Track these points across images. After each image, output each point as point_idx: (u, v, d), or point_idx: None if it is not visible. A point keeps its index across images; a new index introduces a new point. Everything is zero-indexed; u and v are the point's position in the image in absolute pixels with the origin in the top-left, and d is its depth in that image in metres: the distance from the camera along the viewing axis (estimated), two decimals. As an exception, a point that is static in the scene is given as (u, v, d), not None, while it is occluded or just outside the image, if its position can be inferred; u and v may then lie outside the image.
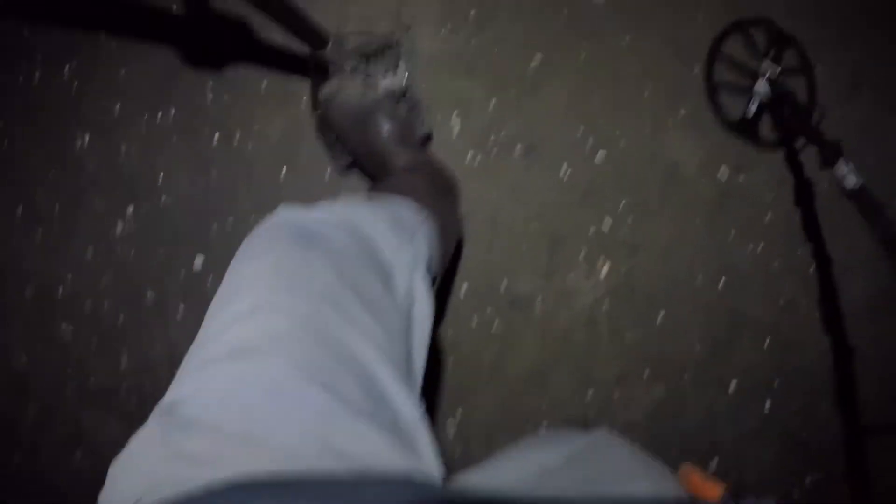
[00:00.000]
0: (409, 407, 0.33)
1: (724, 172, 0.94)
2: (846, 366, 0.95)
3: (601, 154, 0.89)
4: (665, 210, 0.92)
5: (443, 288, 0.91)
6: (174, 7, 0.94)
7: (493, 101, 0.88)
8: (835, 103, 1.00)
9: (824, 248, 0.98)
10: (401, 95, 0.81)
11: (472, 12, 0.88)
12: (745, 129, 0.94)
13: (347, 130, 0.80)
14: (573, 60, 0.89)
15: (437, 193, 0.70)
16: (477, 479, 0.33)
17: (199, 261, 0.98)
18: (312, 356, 0.31)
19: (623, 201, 0.90)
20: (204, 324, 0.36)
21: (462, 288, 0.90)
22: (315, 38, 0.73)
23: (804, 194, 0.98)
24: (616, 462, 0.37)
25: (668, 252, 0.93)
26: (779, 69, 0.94)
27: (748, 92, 0.94)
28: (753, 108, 0.94)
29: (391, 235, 0.42)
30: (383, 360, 0.33)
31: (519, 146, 0.88)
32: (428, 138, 0.87)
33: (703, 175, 0.93)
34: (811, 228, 0.98)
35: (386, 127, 0.77)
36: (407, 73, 0.83)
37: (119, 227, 1.01)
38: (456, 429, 0.95)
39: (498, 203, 0.88)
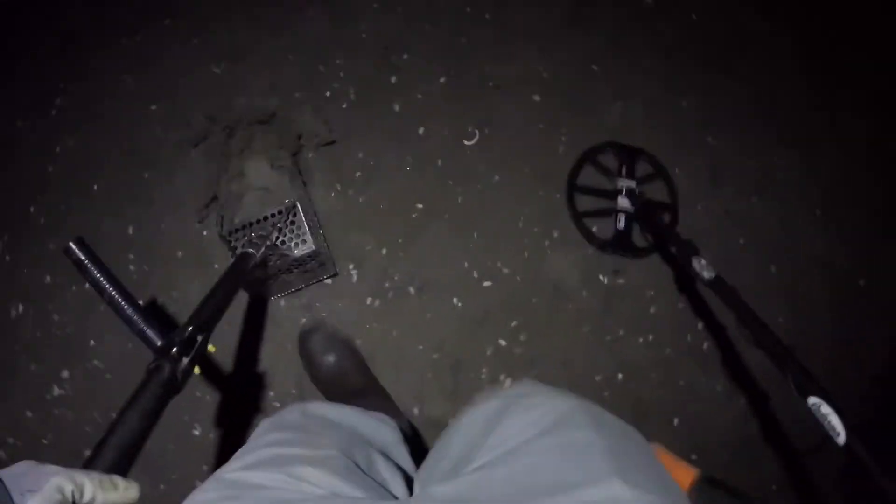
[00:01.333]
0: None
1: (603, 279, 1.05)
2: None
3: (487, 283, 0.99)
4: (554, 323, 1.01)
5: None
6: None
7: (384, 250, 0.98)
8: (699, 197, 1.12)
9: (714, 318, 1.08)
10: (313, 258, 0.91)
11: (358, 173, 1.00)
12: (619, 243, 1.05)
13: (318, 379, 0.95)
14: (451, 203, 1.00)
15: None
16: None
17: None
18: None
19: (514, 322, 0.99)
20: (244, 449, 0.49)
21: (377, 420, 0.98)
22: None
23: (684, 283, 1.09)
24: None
25: (564, 360, 1.02)
26: (634, 182, 1.07)
27: (612, 210, 1.06)
28: (622, 222, 1.05)
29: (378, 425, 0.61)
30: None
31: (412, 287, 0.98)
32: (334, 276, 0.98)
33: (584, 286, 1.03)
34: (698, 308, 1.09)
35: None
36: (312, 236, 0.93)
37: (55, 390, 1.07)
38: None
39: (400, 339, 0.97)
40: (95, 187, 1.07)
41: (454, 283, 0.99)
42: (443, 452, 0.48)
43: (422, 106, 1.03)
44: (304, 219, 0.92)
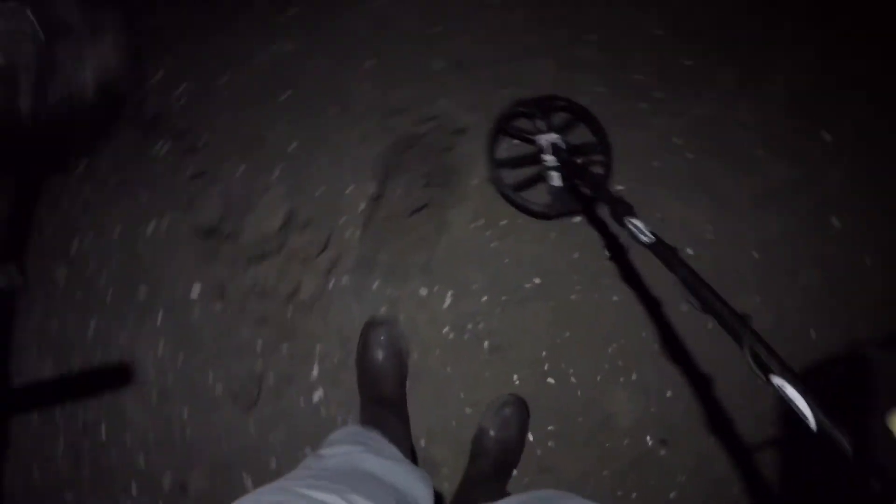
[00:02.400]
0: None
1: (648, 440, 1.04)
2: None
3: (551, 380, 1.01)
4: (585, 449, 1.02)
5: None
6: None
7: (485, 297, 1.02)
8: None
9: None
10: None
11: (504, 221, 1.04)
12: (561, 203, 1.01)
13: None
14: (564, 295, 1.03)
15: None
16: None
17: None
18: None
19: (551, 426, 1.01)
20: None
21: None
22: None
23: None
24: None
25: (572, 484, 1.02)
26: (556, 135, 1.01)
27: (543, 172, 1.02)
28: (557, 180, 1.00)
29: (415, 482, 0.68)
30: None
31: (487, 342, 1.01)
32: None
33: (629, 434, 1.03)
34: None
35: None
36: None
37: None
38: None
39: (449, 378, 1.01)
40: (289, 93, 1.16)
41: (523, 363, 1.01)
42: None
43: (589, 197, 1.06)
44: None
